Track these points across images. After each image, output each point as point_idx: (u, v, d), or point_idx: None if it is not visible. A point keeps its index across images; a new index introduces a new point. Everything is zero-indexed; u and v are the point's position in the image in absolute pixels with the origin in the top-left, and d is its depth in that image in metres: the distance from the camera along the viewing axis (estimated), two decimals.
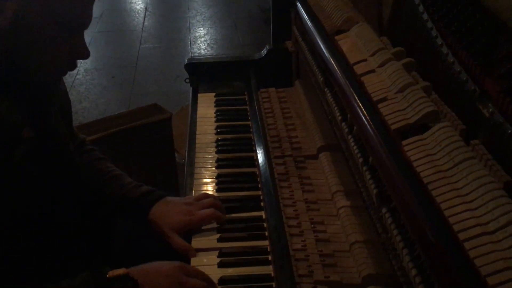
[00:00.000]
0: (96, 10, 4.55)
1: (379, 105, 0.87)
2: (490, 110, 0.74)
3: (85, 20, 0.90)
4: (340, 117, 1.10)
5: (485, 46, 0.76)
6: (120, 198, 1.13)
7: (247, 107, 1.58)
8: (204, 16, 4.96)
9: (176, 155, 2.27)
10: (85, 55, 0.93)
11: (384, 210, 0.83)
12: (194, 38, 4.45)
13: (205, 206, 1.10)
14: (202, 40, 4.40)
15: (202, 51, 4.20)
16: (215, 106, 1.60)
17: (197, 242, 1.06)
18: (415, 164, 0.72)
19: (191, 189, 1.23)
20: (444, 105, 0.88)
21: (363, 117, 0.91)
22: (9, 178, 0.86)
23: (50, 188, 0.95)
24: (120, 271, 0.88)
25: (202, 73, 1.74)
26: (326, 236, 1.08)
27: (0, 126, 0.84)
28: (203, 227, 1.09)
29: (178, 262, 0.95)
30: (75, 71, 3.82)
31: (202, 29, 4.66)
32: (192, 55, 4.12)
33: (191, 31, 4.62)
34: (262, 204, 1.17)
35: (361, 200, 1.07)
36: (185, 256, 1.04)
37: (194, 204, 1.11)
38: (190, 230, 1.08)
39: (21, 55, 0.85)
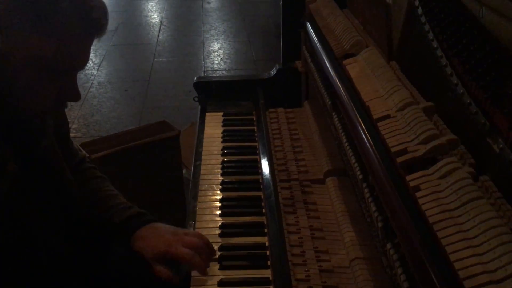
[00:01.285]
0: (112, 23, 4.60)
1: (385, 135, 0.85)
2: (500, 146, 0.71)
3: (77, 63, 0.87)
4: (346, 144, 1.08)
5: (495, 79, 0.73)
6: (107, 220, 1.11)
7: (255, 127, 1.56)
8: (218, 31, 4.98)
9: (185, 170, 2.25)
10: (74, 97, 0.90)
11: (389, 245, 0.80)
12: (207, 53, 4.46)
13: (188, 244, 1.03)
14: (216, 55, 4.41)
15: (215, 66, 4.21)
16: (222, 126, 1.58)
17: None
18: (420, 201, 0.69)
19: (194, 212, 1.21)
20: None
21: (369, 147, 0.88)
22: None
23: (36, 220, 0.93)
24: None
25: (211, 92, 1.72)
26: (330, 266, 1.05)
27: None
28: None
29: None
30: (88, 84, 3.85)
31: (216, 43, 4.67)
32: (205, 70, 4.13)
33: (205, 45, 4.63)
34: (265, 230, 1.14)
35: (368, 230, 1.04)
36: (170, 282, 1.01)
37: (179, 237, 1.05)
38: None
39: (3, 94, 0.82)
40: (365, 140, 0.90)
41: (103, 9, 0.88)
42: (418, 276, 0.66)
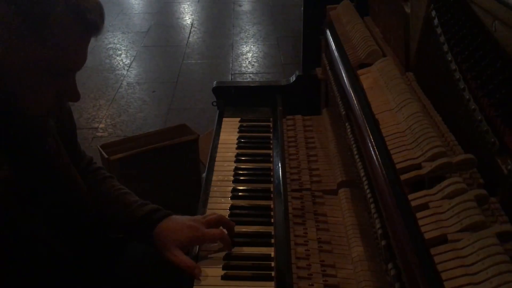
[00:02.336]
0: (144, 25, 4.69)
1: (391, 150, 0.82)
2: (509, 167, 0.68)
3: (75, 64, 0.88)
4: (357, 156, 1.05)
5: (506, 96, 0.69)
6: (125, 217, 1.12)
7: (271, 134, 1.55)
8: (248, 34, 4.99)
9: (204, 175, 2.25)
10: (73, 97, 0.91)
11: (390, 265, 0.77)
12: (236, 56, 4.46)
13: (212, 224, 1.09)
14: (244, 58, 4.41)
15: (243, 69, 4.21)
16: (238, 132, 1.57)
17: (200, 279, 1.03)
18: (420, 222, 0.66)
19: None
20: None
21: (375, 161, 0.85)
22: None
23: (36, 224, 0.93)
24: None
25: (229, 97, 1.72)
26: (336, 282, 1.02)
27: None
28: (208, 264, 1.06)
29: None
30: (117, 85, 3.91)
31: (244, 46, 4.68)
32: (232, 73, 4.14)
33: (234, 48, 4.64)
34: (272, 241, 1.12)
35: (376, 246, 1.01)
36: (190, 274, 1.02)
37: (200, 221, 1.09)
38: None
39: (3, 97, 0.83)
40: (372, 153, 0.87)
41: (99, 10, 0.87)
42: None
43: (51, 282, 0.94)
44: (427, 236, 0.64)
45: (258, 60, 4.37)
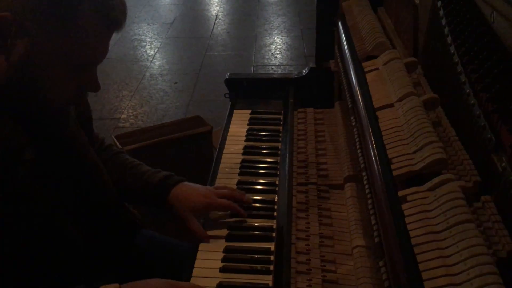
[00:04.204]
0: (169, 16, 4.72)
1: (387, 146, 0.80)
2: (503, 164, 0.65)
3: (97, 58, 0.91)
4: (359, 150, 1.03)
5: (504, 91, 0.66)
6: (142, 184, 1.18)
7: (280, 127, 1.53)
8: (272, 25, 4.96)
9: None
10: (94, 88, 0.94)
11: (381, 263, 0.75)
12: (259, 47, 4.45)
13: (222, 195, 1.15)
14: (267, 50, 4.39)
15: (265, 61, 4.19)
16: (248, 125, 1.56)
17: (199, 270, 1.03)
18: (407, 220, 0.64)
19: None
20: (463, 150, 0.79)
21: (373, 157, 0.84)
22: (10, 198, 0.87)
23: (56, 205, 0.96)
24: (112, 286, 0.89)
25: (241, 89, 1.71)
26: (335, 277, 1.01)
27: (3, 146, 0.86)
28: (207, 256, 1.06)
29: (171, 281, 0.96)
30: (140, 76, 3.95)
31: (268, 38, 4.65)
32: (254, 65, 4.12)
33: (257, 39, 4.62)
34: (273, 235, 1.12)
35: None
36: (199, 240, 1.09)
37: (212, 191, 1.16)
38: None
39: (27, 86, 0.87)
40: (369, 145, 0.85)
41: (122, 7, 0.91)
42: None
43: (67, 263, 0.97)
44: (412, 234, 0.62)
45: (281, 52, 4.34)
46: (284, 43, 4.53)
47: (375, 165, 0.81)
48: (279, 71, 3.99)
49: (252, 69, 4.05)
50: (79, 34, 0.85)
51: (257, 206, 1.21)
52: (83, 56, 0.88)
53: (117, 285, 0.89)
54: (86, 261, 1.03)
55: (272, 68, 4.08)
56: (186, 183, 1.19)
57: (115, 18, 0.89)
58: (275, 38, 4.65)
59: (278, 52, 4.35)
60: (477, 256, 0.54)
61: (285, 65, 4.12)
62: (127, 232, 1.23)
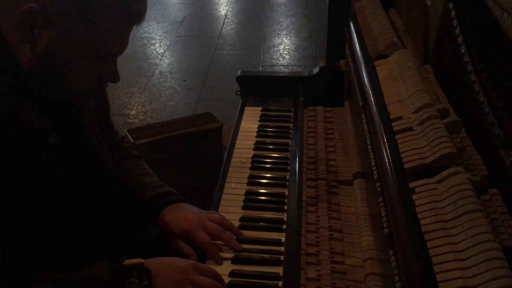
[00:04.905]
0: (179, 15, 4.75)
1: (399, 141, 0.83)
2: (510, 159, 0.68)
3: (118, 49, 0.93)
4: (369, 146, 1.06)
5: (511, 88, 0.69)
6: (137, 196, 1.17)
7: (291, 124, 1.56)
8: (281, 26, 4.99)
9: None
10: (114, 79, 0.97)
11: (391, 252, 0.78)
12: (267, 47, 4.48)
13: (209, 230, 1.07)
14: (275, 50, 4.43)
15: (274, 61, 4.22)
16: (259, 121, 1.59)
17: (211, 261, 1.06)
18: (418, 209, 0.67)
19: (218, 203, 1.23)
20: (472, 146, 0.82)
21: (384, 151, 0.87)
22: (33, 180, 0.91)
23: (73, 191, 0.99)
24: (137, 260, 0.91)
25: (252, 87, 1.74)
26: (343, 269, 1.04)
27: (29, 131, 0.90)
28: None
29: (193, 261, 0.98)
30: (150, 73, 3.99)
31: (276, 38, 4.69)
32: (263, 64, 4.16)
33: (266, 40, 4.66)
34: (284, 227, 1.15)
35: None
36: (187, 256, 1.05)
37: (202, 221, 1.09)
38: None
39: (51, 75, 0.90)
40: (381, 142, 0.88)
41: (143, 1, 0.93)
42: (406, 285, 0.65)
43: (78, 251, 1.00)
44: (422, 222, 0.65)
45: (289, 53, 4.38)
46: (292, 44, 4.56)
47: (385, 156, 0.84)
48: (287, 71, 4.02)
49: (261, 68, 4.08)
50: (102, 26, 0.88)
51: (268, 199, 1.24)
52: (104, 47, 0.90)
53: (140, 259, 0.91)
54: (99, 246, 1.06)
55: (280, 68, 4.11)
56: (184, 204, 1.15)
57: (136, 11, 0.91)
58: (284, 38, 4.68)
59: (286, 52, 4.38)
60: (485, 243, 0.57)
61: (293, 65, 4.16)
62: (128, 230, 1.24)
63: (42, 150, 0.92)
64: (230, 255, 1.07)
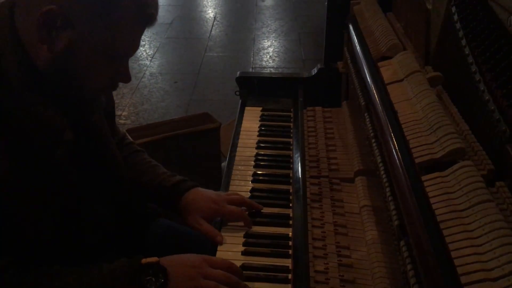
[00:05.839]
0: (168, 17, 4.76)
1: (408, 137, 0.87)
2: None
3: (131, 51, 0.96)
4: (374, 144, 1.10)
5: None
6: (156, 186, 1.22)
7: (291, 124, 1.60)
8: (270, 29, 5.04)
9: (224, 163, 2.32)
10: (126, 79, 1.00)
11: (402, 243, 0.82)
12: (257, 50, 4.52)
13: (235, 202, 1.18)
14: (265, 52, 4.47)
15: (264, 63, 4.26)
16: (260, 121, 1.63)
17: (222, 253, 1.09)
18: (432, 200, 0.71)
19: None
20: (476, 142, 0.86)
21: (392, 147, 0.91)
22: (48, 176, 0.93)
23: (86, 187, 1.01)
24: (153, 259, 0.95)
25: (252, 87, 1.77)
26: (350, 262, 1.07)
27: (45, 128, 0.92)
28: (229, 240, 1.12)
29: (204, 255, 1.02)
30: (141, 74, 4.00)
31: (266, 41, 4.73)
32: (253, 66, 4.19)
33: (255, 42, 4.70)
34: (290, 222, 1.18)
35: (389, 229, 1.06)
36: (212, 241, 1.12)
37: (223, 197, 1.19)
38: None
39: (67, 75, 0.93)
40: (389, 140, 0.92)
41: (156, 5, 0.97)
42: (423, 271, 0.69)
43: (89, 246, 1.02)
44: (437, 212, 0.69)
45: (279, 55, 4.42)
46: (282, 46, 4.60)
47: (394, 151, 0.88)
48: (287, 72, 4.07)
49: (251, 70, 4.12)
50: (118, 28, 0.90)
51: (273, 196, 1.28)
52: (119, 48, 0.93)
53: (155, 258, 0.94)
54: (110, 241, 1.09)
55: (270, 71, 4.15)
56: (199, 188, 1.23)
57: (150, 14, 0.94)
58: (273, 41, 4.73)
59: (276, 55, 4.42)
60: (499, 230, 0.61)
61: (283, 67, 4.20)
62: (140, 222, 1.28)
63: (57, 146, 0.94)
64: (240, 248, 1.10)
